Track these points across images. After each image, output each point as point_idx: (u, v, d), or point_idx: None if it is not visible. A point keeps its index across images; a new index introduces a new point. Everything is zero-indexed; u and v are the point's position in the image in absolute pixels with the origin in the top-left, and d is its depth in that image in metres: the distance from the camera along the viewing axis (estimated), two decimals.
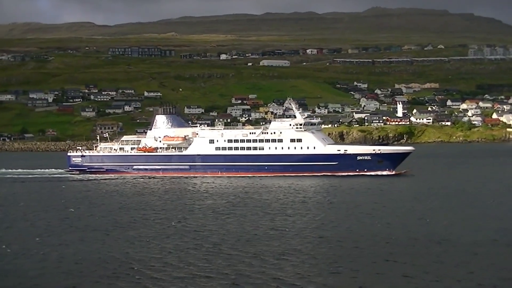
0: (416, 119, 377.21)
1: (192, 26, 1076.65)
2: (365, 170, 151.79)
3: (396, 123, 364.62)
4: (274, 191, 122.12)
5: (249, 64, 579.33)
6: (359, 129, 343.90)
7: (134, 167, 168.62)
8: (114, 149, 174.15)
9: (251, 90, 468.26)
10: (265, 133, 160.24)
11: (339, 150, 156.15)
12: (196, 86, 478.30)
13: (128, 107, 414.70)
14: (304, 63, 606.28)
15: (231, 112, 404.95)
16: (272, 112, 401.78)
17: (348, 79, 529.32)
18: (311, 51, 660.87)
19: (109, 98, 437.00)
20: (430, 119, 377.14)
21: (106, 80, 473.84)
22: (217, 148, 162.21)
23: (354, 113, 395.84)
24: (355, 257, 63.67)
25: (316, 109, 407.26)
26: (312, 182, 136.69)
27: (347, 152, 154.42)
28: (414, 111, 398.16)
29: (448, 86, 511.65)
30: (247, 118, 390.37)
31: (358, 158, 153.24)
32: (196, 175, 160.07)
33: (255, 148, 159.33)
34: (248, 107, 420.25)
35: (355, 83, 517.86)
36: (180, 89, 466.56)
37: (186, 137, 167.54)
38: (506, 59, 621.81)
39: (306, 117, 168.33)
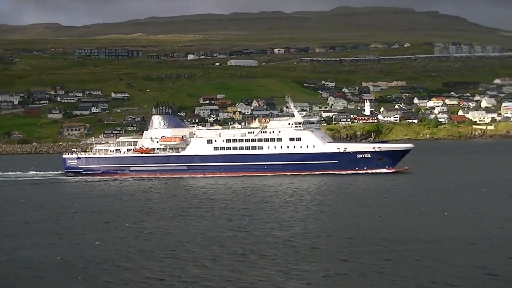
0: (384, 117, 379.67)
1: (159, 26, 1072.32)
2: (365, 168, 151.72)
3: (364, 121, 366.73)
4: (242, 192, 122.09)
5: (217, 64, 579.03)
6: (327, 128, 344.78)
7: (131, 168, 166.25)
8: (110, 151, 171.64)
9: (219, 90, 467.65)
10: (263, 132, 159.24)
11: (339, 149, 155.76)
12: (164, 87, 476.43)
13: (95, 109, 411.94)
14: (272, 63, 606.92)
15: (199, 112, 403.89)
16: (240, 112, 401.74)
17: (315, 78, 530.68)
18: (279, 50, 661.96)
19: (76, 99, 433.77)
20: (397, 117, 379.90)
21: (73, 81, 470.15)
22: (216, 148, 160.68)
23: (322, 112, 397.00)
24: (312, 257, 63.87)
25: (285, 108, 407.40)
26: (282, 181, 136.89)
27: (347, 150, 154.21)
28: (382, 109, 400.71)
29: (415, 84, 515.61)
30: (215, 118, 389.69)
31: (358, 156, 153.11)
32: (194, 176, 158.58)
33: (254, 148, 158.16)
34: (216, 107, 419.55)
35: (323, 82, 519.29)
36: (148, 90, 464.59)
37: (184, 138, 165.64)
38: (472, 57, 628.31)
39: (304, 116, 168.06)
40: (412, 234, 73.20)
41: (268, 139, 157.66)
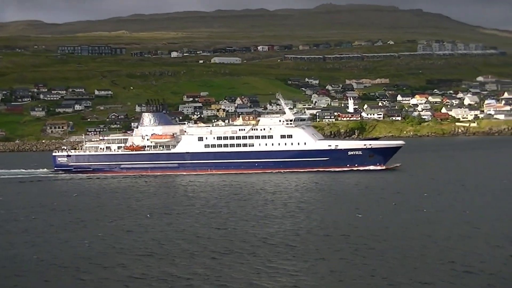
0: (367, 115, 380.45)
1: (142, 24, 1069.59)
2: (356, 165, 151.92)
3: (348, 118, 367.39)
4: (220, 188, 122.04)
5: (201, 61, 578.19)
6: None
7: (122, 166, 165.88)
8: (101, 148, 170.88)
9: (203, 87, 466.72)
10: (254, 129, 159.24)
11: (330, 146, 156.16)
12: (148, 84, 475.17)
13: (79, 106, 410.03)
14: (256, 60, 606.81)
15: (182, 110, 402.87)
16: (224, 109, 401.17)
17: (299, 75, 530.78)
18: (263, 48, 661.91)
19: (59, 97, 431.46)
20: (381, 114, 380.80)
21: (56, 79, 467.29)
22: (207, 146, 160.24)
23: (305, 109, 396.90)
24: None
25: (268, 105, 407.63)
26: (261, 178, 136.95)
27: (338, 148, 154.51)
28: (365, 106, 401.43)
29: (398, 82, 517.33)
30: (198, 115, 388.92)
31: (349, 153, 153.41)
32: (185, 173, 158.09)
33: (245, 145, 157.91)
34: (200, 104, 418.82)
35: (307, 79, 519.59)
36: (132, 87, 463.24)
37: (174, 135, 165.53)
38: (455, 54, 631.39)
39: (295, 113, 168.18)
40: (389, 231, 73.56)
41: (259, 136, 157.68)
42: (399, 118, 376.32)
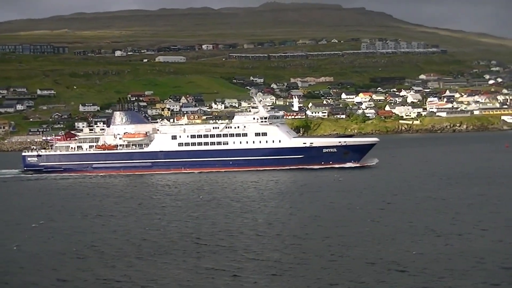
0: (312, 113, 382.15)
1: (86, 22, 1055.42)
2: (331, 162, 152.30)
3: (293, 117, 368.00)
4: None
5: (145, 60, 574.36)
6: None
7: (94, 165, 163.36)
8: (72, 148, 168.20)
9: (148, 86, 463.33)
10: (229, 127, 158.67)
11: (305, 143, 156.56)
12: (92, 83, 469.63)
13: (21, 106, 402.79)
14: (200, 59, 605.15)
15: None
16: (168, 109, 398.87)
17: (244, 74, 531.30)
18: (207, 46, 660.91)
19: (0, 97, 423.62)
20: (325, 112, 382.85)
21: None
22: (180, 144, 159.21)
23: (251, 108, 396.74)
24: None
25: (213, 104, 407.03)
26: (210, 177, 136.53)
27: (313, 145, 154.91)
28: (310, 104, 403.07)
29: (343, 80, 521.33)
30: (143, 115, 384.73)
31: (324, 150, 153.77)
32: (159, 172, 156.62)
33: (219, 143, 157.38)
34: (145, 103, 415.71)
35: (251, 78, 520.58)
36: (75, 87, 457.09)
37: (147, 134, 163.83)
38: (398, 53, 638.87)
39: (269, 110, 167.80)
40: (340, 230, 73.86)
41: (233, 134, 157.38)
42: (344, 116, 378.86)
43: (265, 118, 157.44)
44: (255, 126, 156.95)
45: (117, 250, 67.24)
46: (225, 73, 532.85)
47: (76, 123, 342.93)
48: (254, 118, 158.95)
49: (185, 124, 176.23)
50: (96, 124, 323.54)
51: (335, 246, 65.58)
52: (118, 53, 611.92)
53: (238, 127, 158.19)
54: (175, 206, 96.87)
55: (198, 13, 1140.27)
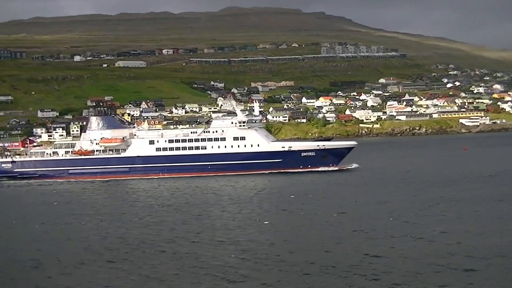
0: (273, 117, 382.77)
1: (44, 27, 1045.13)
2: (309, 166, 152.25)
3: None
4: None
5: (105, 65, 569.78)
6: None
7: (70, 171, 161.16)
8: (47, 153, 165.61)
9: (107, 91, 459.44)
10: (207, 131, 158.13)
11: (283, 147, 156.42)
12: (50, 89, 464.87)
13: None
14: (161, 64, 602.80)
15: (86, 115, 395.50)
16: (129, 114, 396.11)
17: (205, 78, 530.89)
18: (167, 51, 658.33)
19: None
20: (286, 116, 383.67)
21: None
22: (158, 149, 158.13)
23: (211, 113, 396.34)
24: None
25: (174, 109, 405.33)
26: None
27: (291, 149, 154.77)
28: (271, 109, 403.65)
29: (303, 84, 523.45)
30: (119, 119, 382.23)
31: (303, 154, 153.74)
32: (136, 177, 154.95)
33: (197, 148, 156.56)
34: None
35: (212, 82, 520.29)
36: (33, 92, 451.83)
37: (124, 139, 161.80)
38: (357, 57, 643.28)
39: (247, 115, 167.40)
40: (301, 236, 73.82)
41: (211, 138, 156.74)
42: (304, 120, 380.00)
43: (244, 122, 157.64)
44: (234, 130, 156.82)
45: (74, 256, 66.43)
46: (186, 78, 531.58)
47: (34, 129, 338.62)
48: (232, 123, 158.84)
49: (163, 129, 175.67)
50: (55, 130, 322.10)
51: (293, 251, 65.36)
52: (77, 58, 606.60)
53: (216, 131, 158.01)
54: (135, 213, 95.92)
55: (159, 17, 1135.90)
